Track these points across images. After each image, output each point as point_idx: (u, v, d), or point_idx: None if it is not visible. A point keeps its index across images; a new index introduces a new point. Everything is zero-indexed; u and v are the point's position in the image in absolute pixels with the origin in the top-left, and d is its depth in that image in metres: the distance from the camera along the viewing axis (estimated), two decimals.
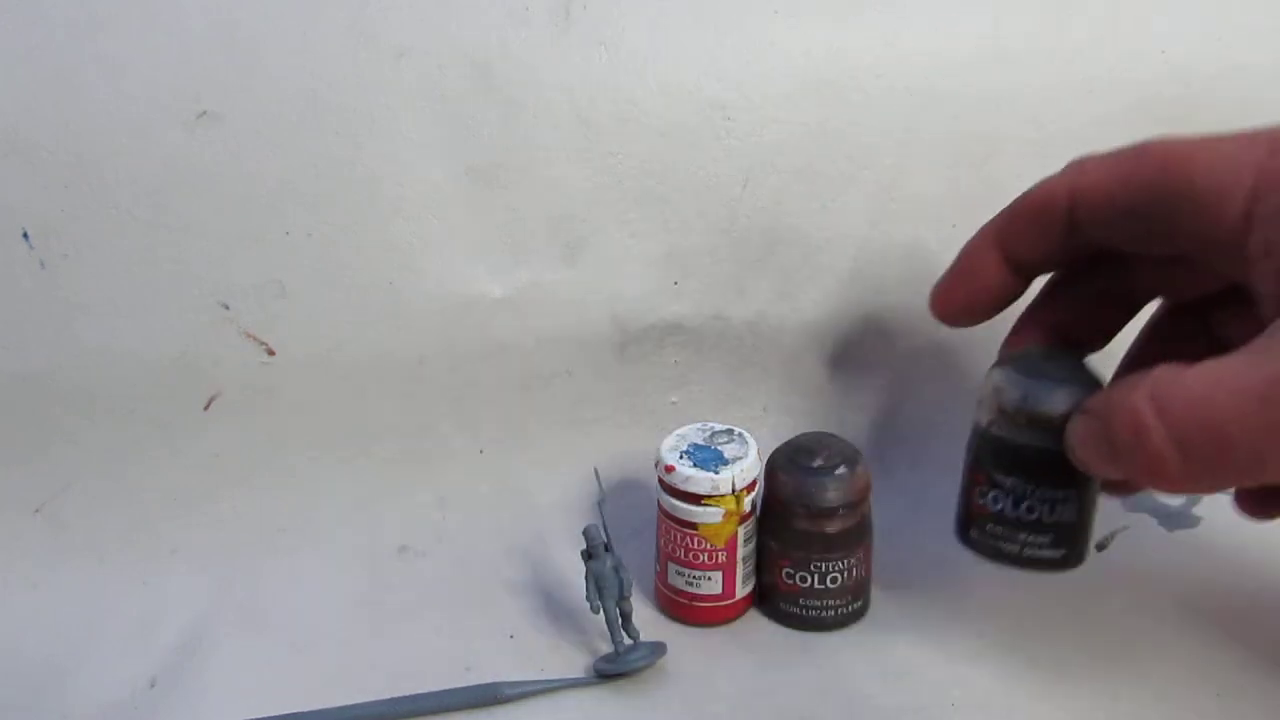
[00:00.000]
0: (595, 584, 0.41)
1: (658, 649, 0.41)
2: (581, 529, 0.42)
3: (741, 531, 0.42)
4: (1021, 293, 0.40)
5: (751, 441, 0.43)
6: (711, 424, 0.44)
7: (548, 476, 0.51)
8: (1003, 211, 0.39)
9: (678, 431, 0.44)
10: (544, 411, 0.51)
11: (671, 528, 0.43)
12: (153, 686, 0.42)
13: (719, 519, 0.42)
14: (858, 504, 0.42)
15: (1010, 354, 0.39)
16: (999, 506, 0.37)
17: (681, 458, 0.42)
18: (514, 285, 0.49)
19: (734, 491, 0.41)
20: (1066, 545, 0.37)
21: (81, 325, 0.47)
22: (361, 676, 0.41)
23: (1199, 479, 0.31)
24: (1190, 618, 0.43)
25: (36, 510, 0.48)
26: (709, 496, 0.41)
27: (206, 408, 0.48)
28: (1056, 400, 0.35)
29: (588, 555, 0.41)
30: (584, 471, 0.50)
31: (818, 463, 0.42)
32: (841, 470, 0.42)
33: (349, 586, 0.47)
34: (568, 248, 0.49)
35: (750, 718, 0.39)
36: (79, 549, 0.47)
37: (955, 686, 0.40)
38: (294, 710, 0.40)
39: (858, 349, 0.52)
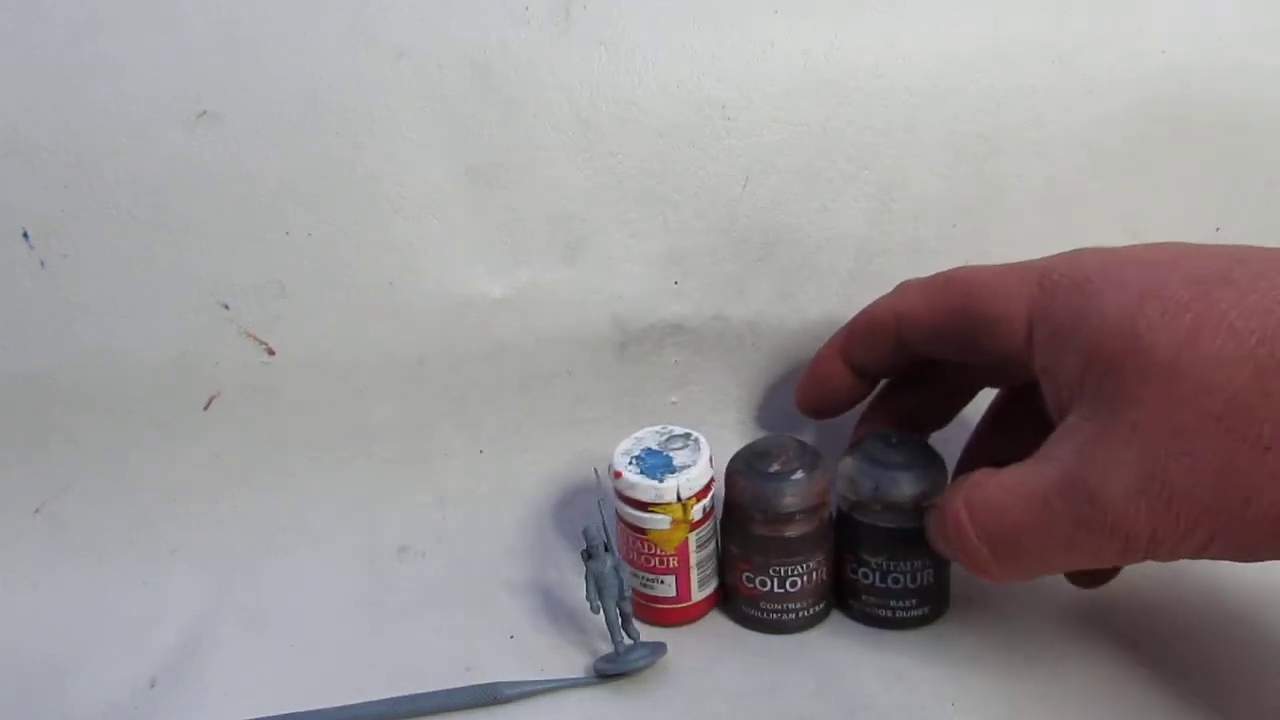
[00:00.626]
0: (595, 584, 0.41)
1: (658, 649, 0.41)
2: (581, 529, 0.42)
3: (694, 538, 0.42)
4: (868, 393, 0.46)
5: (704, 448, 0.43)
6: (671, 427, 0.44)
7: (548, 476, 0.51)
8: (845, 326, 0.45)
9: (637, 434, 0.44)
10: (544, 411, 0.51)
11: (625, 530, 0.43)
12: (153, 686, 0.42)
13: (667, 526, 0.42)
14: (816, 508, 0.42)
15: (859, 440, 0.44)
16: (869, 580, 0.43)
17: (631, 463, 0.42)
18: (514, 285, 0.49)
19: (680, 500, 0.41)
20: (930, 604, 0.43)
21: (81, 325, 0.47)
22: (361, 676, 0.41)
23: (1011, 572, 0.36)
24: (1189, 617, 0.43)
25: (36, 510, 0.48)
26: (654, 504, 0.41)
27: (206, 408, 0.48)
28: (904, 487, 0.41)
29: (588, 555, 0.41)
30: (584, 471, 0.50)
31: (774, 468, 0.42)
32: (799, 475, 0.42)
33: (349, 586, 0.47)
34: (568, 248, 0.49)
35: (750, 718, 0.39)
36: (79, 549, 0.47)
37: (955, 686, 0.40)
38: (294, 710, 0.40)
39: None
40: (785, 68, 0.49)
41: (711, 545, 0.43)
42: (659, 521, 0.42)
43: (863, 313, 0.44)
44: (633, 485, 0.41)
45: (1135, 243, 0.36)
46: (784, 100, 0.49)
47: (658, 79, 0.49)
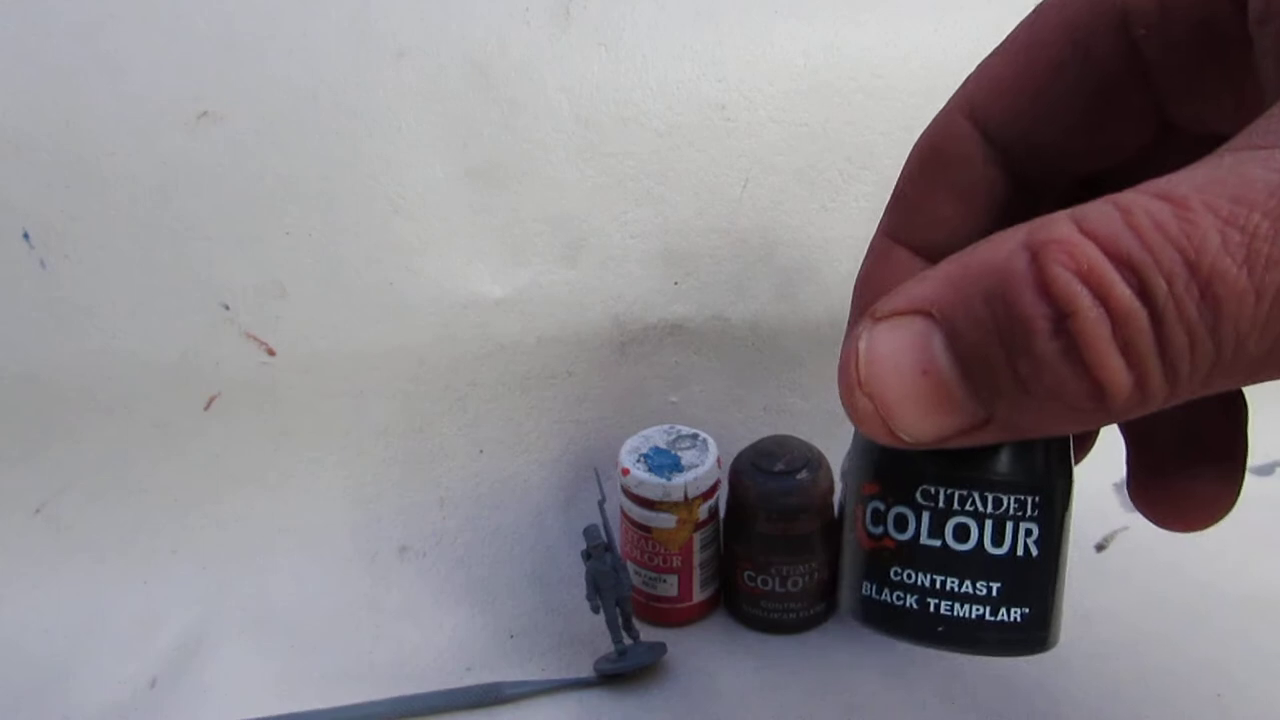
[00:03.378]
0: (595, 584, 0.41)
1: (658, 649, 0.41)
2: (581, 529, 0.42)
3: (698, 538, 0.42)
4: None
5: (712, 449, 0.43)
6: (679, 427, 0.44)
7: (548, 476, 0.51)
8: (890, 201, 0.28)
9: (644, 432, 0.44)
10: (544, 411, 0.51)
11: (629, 528, 0.43)
12: (153, 686, 0.42)
13: (672, 525, 0.42)
14: (820, 508, 0.42)
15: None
16: None
17: (639, 461, 0.42)
18: (514, 285, 0.49)
19: (686, 500, 0.41)
20: None
21: (82, 325, 0.47)
22: (361, 676, 0.41)
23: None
24: (1190, 618, 0.43)
25: (36, 510, 0.48)
26: (661, 502, 0.41)
27: (206, 408, 0.48)
28: None
29: (588, 555, 0.41)
30: (584, 471, 0.50)
31: (779, 467, 0.42)
32: (804, 475, 0.42)
33: (349, 586, 0.47)
34: (568, 248, 0.49)
35: (750, 718, 0.39)
36: (79, 549, 0.47)
37: (955, 685, 0.40)
38: (294, 710, 0.40)
39: None
40: (785, 68, 0.49)
41: (715, 546, 0.43)
42: (665, 520, 0.42)
43: (917, 149, 0.27)
44: (640, 483, 0.41)
45: None
46: (784, 100, 0.49)
47: (658, 79, 0.48)
